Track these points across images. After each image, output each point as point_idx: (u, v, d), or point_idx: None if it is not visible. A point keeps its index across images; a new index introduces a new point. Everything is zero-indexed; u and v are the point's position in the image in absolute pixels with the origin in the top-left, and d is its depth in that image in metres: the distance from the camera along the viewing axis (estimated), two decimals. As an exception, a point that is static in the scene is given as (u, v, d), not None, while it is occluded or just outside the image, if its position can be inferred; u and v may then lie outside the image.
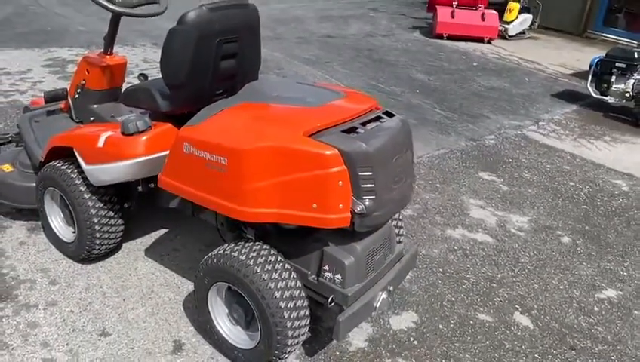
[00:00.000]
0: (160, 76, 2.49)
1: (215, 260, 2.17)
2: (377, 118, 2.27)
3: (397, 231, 2.67)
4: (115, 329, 2.41)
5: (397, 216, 2.74)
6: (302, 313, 2.11)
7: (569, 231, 3.63)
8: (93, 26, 7.53)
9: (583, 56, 8.35)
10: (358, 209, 2.01)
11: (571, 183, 4.36)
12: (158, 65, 2.48)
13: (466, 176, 4.31)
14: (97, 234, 2.63)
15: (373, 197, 2.03)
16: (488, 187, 4.16)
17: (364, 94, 2.54)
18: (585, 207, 4.00)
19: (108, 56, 2.94)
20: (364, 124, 2.18)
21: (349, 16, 10.90)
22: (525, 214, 3.80)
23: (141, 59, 6.22)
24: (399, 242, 2.65)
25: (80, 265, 2.79)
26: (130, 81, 3.12)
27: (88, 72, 2.94)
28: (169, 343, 2.36)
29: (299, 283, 2.14)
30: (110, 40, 2.90)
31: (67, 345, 2.31)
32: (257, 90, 2.49)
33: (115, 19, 2.80)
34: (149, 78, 2.92)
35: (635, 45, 7.42)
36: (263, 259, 2.10)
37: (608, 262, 3.32)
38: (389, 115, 2.33)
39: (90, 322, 2.44)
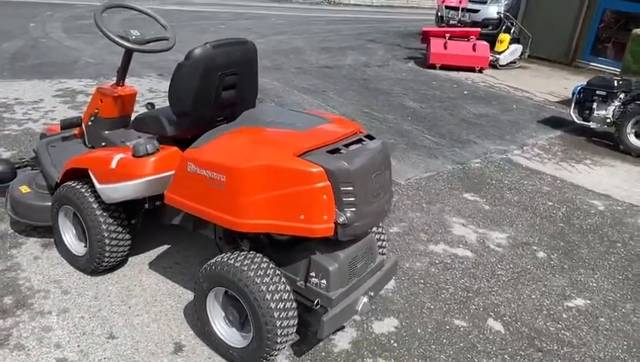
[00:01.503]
0: (165, 104, 2.79)
1: (214, 267, 2.43)
2: (359, 141, 2.56)
3: (380, 243, 2.94)
4: (122, 333, 2.65)
5: (381, 230, 3.02)
6: (290, 314, 2.36)
7: (544, 247, 3.88)
8: (101, 58, 7.94)
9: (570, 84, 8.66)
10: (341, 220, 2.28)
11: (550, 203, 4.64)
12: (163, 94, 2.79)
13: (450, 196, 4.59)
14: (107, 248, 2.90)
15: (354, 209, 2.30)
16: (471, 207, 4.43)
17: (348, 120, 2.83)
18: (561, 224, 4.26)
19: (120, 87, 3.26)
20: (347, 145, 2.47)
21: (346, 48, 11.36)
22: (504, 231, 4.06)
23: (147, 89, 6.57)
24: (382, 254, 2.92)
25: (90, 277, 3.04)
26: (138, 109, 3.42)
27: (102, 102, 3.24)
28: (170, 345, 2.61)
29: (288, 288, 2.40)
30: (122, 73, 3.23)
31: (78, 346, 2.55)
32: (254, 117, 2.78)
33: (128, 54, 3.13)
34: (156, 107, 3.23)
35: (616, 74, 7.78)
36: (257, 265, 2.37)
37: (579, 274, 3.57)
38: (370, 138, 2.62)
39: (99, 326, 2.68)
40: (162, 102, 3.79)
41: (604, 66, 10.67)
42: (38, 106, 5.77)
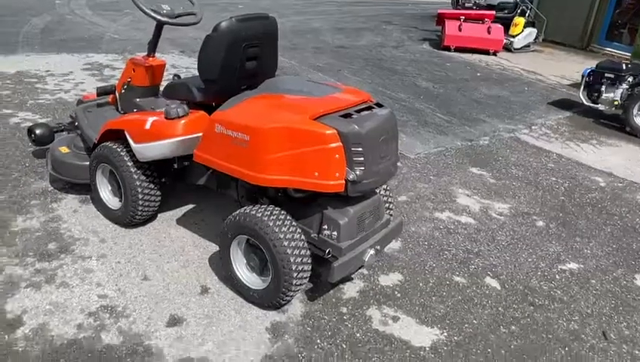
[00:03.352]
0: (195, 74, 3.06)
1: (238, 218, 2.73)
2: (370, 108, 2.82)
3: (387, 205, 3.21)
4: (154, 276, 2.97)
5: (388, 193, 3.28)
6: (304, 260, 2.65)
7: (544, 217, 4.12)
8: (125, 35, 8.23)
9: (583, 68, 8.80)
10: (351, 177, 2.55)
11: (553, 178, 4.85)
12: (185, 69, 3.06)
13: (458, 170, 4.83)
14: (140, 203, 3.20)
15: (363, 168, 2.57)
16: (477, 180, 4.67)
17: (359, 90, 3.08)
18: (562, 198, 4.49)
19: (151, 58, 3.54)
20: (358, 111, 2.73)
21: (362, 29, 11.51)
22: (507, 202, 4.30)
23: (170, 64, 6.83)
24: (390, 215, 3.19)
25: (124, 229, 3.36)
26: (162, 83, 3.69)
27: (134, 71, 3.53)
28: (197, 287, 2.92)
29: (303, 237, 2.68)
30: (153, 45, 3.50)
31: (116, 285, 2.87)
32: (274, 85, 3.04)
33: (159, 27, 3.40)
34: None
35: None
36: (276, 216, 2.65)
37: (575, 242, 3.81)
38: (380, 105, 2.88)
39: (133, 270, 3.00)
40: (184, 76, 4.09)
41: (618, 52, 10.71)
42: (68, 78, 6.09)
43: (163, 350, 2.48)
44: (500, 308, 3.02)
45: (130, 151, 3.14)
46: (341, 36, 10.46)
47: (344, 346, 2.62)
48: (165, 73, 3.84)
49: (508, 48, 10.44)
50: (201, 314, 2.72)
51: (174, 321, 2.66)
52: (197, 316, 2.71)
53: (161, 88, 3.59)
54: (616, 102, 6.42)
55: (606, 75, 6.49)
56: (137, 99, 3.58)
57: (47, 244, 3.14)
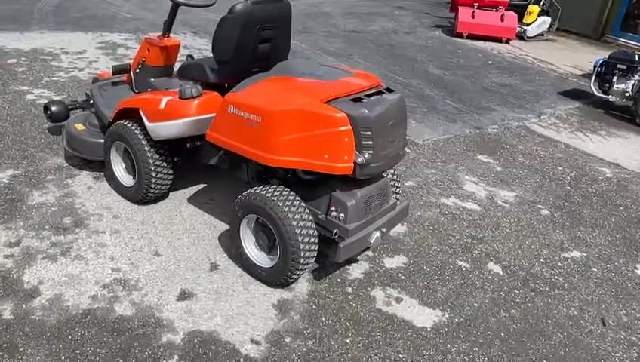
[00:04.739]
0: (206, 55, 3.11)
1: (248, 197, 2.80)
2: (380, 93, 2.86)
3: (394, 189, 3.27)
4: (166, 252, 3.06)
5: (395, 178, 3.33)
6: (312, 240, 2.72)
7: (549, 206, 4.16)
8: (138, 14, 8.26)
9: (596, 59, 8.72)
10: (359, 160, 2.61)
11: (560, 168, 4.88)
12: (197, 50, 3.11)
13: (465, 157, 4.87)
14: (153, 180, 3.28)
15: (372, 152, 2.63)
16: (484, 167, 4.71)
17: (370, 74, 3.12)
18: (568, 187, 4.52)
19: (166, 39, 3.59)
20: (368, 95, 2.78)
21: (374, 14, 11.45)
22: (513, 190, 4.34)
23: (182, 45, 6.88)
24: (397, 199, 3.26)
25: (136, 206, 3.45)
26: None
27: (149, 51, 3.59)
28: (207, 264, 3.01)
29: (310, 218, 2.75)
30: (168, 25, 3.55)
31: (129, 259, 2.97)
32: (286, 68, 3.09)
33: (175, 8, 3.45)
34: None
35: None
36: (285, 197, 2.72)
37: (579, 231, 3.85)
38: (390, 90, 2.92)
39: (146, 246, 3.09)
40: (196, 58, 4.15)
41: (633, 43, 10.58)
42: (82, 56, 6.16)
43: (174, 322, 2.58)
44: (501, 293, 3.09)
45: (144, 129, 3.21)
46: (353, 21, 10.42)
47: (348, 324, 2.71)
48: (179, 54, 3.89)
49: (521, 36, 10.35)
50: (211, 290, 2.81)
51: (185, 296, 2.75)
52: (206, 291, 2.80)
53: (176, 68, 3.66)
54: (627, 94, 6.39)
55: (618, 65, 6.45)
56: (152, 79, 3.65)
57: (63, 218, 3.24)
